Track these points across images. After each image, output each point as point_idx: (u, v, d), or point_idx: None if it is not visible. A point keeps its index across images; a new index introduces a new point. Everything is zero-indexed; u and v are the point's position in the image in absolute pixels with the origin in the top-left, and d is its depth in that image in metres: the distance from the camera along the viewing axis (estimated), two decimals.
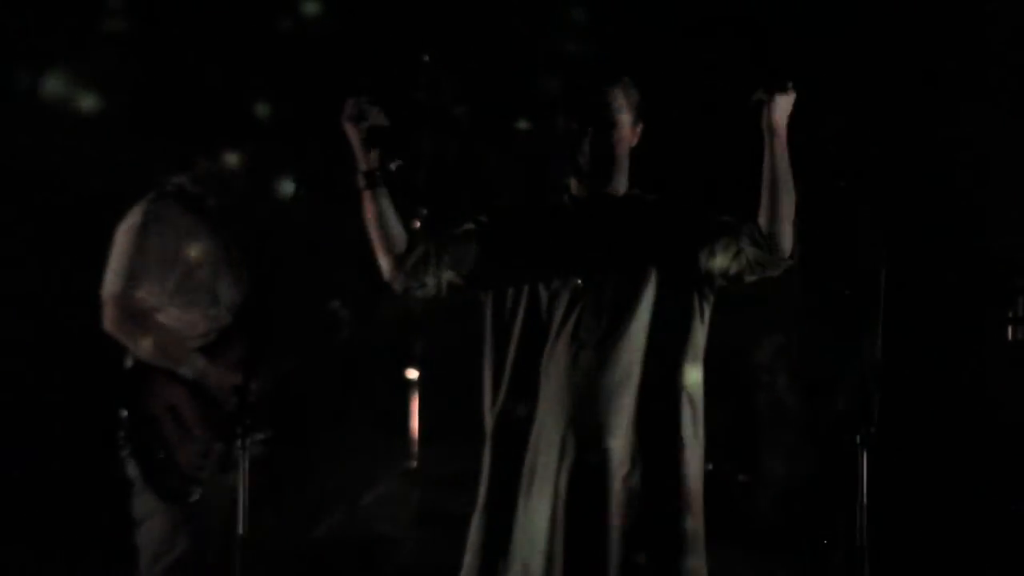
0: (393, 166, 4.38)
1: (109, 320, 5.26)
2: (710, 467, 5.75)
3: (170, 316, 5.28)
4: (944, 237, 6.21)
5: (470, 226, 4.49)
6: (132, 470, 5.23)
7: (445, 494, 6.29)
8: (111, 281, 5.27)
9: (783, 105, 4.18)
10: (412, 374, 6.52)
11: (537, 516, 4.32)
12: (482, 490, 4.43)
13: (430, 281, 4.43)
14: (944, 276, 6.19)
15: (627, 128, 4.40)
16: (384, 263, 4.42)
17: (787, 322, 6.31)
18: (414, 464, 6.51)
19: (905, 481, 5.74)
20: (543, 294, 4.39)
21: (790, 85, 4.17)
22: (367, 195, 4.37)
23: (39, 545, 6.08)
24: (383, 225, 4.39)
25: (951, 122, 6.22)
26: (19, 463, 6.09)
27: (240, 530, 4.63)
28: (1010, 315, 6.15)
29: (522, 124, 6.23)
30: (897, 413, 5.38)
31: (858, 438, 4.47)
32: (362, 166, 4.37)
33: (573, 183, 4.48)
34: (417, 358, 6.50)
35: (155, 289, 5.26)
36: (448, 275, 4.43)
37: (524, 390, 4.38)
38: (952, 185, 6.23)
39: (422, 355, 6.50)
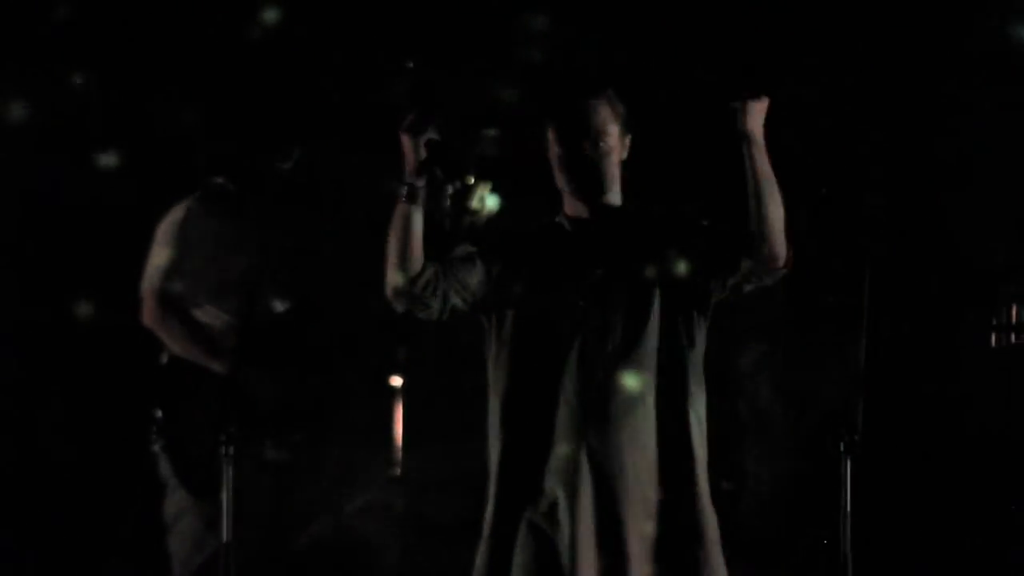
0: (457, 185, 4.25)
1: (147, 314, 5.32)
2: None
3: (207, 314, 5.33)
4: (927, 244, 6.22)
5: (472, 248, 4.44)
6: (164, 467, 5.26)
7: (429, 502, 6.29)
8: (150, 275, 5.33)
9: (756, 110, 4.15)
10: (396, 381, 6.51)
11: (557, 541, 4.28)
12: (488, 516, 4.39)
13: (435, 304, 4.33)
14: (927, 283, 6.19)
15: (615, 139, 4.38)
16: (394, 281, 4.29)
17: (770, 329, 6.31)
18: (398, 472, 6.50)
19: (888, 488, 5.74)
20: (547, 318, 4.35)
21: (762, 90, 4.15)
22: (401, 208, 4.24)
23: (68, 550, 6.13)
24: (407, 242, 4.25)
25: (934, 129, 6.23)
26: (51, 463, 6.14)
27: (225, 537, 4.62)
28: (993, 322, 6.15)
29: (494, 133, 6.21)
30: (880, 420, 5.39)
31: (841, 445, 4.47)
32: (409, 178, 4.23)
33: (567, 201, 4.45)
34: (401, 365, 6.50)
35: (192, 285, 5.30)
36: (454, 299, 4.36)
37: (532, 417, 4.35)
38: (935, 192, 6.24)
39: (406, 362, 6.49)
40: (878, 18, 6.13)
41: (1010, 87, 6.12)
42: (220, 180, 5.47)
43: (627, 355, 4.30)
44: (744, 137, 4.15)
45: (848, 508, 4.46)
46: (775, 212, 4.20)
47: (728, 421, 6.29)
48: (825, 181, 5.95)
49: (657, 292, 4.33)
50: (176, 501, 5.31)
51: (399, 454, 6.52)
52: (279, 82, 5.95)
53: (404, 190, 4.23)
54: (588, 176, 4.37)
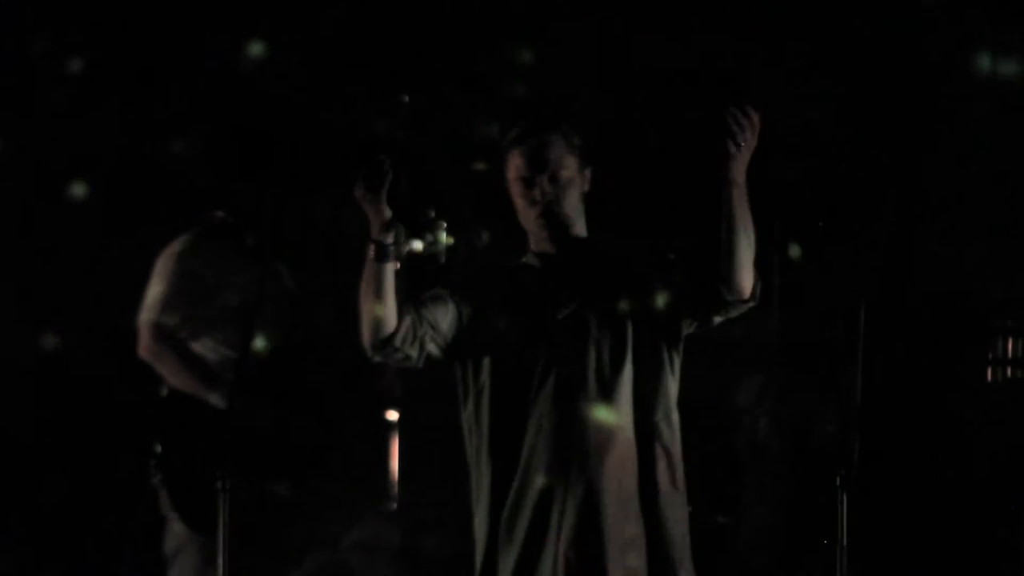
0: (420, 246, 4.21)
1: (144, 346, 5.31)
2: (690, 508, 5.77)
3: (205, 346, 5.33)
4: (923, 278, 6.23)
5: (443, 291, 4.39)
6: (164, 501, 5.26)
7: (425, 536, 6.28)
8: (148, 307, 5.33)
9: (745, 156, 4.11)
10: (392, 416, 6.51)
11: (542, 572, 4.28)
12: (478, 556, 4.39)
13: (414, 354, 4.29)
14: (923, 318, 6.20)
15: (573, 171, 4.34)
16: (370, 336, 4.23)
17: (766, 363, 6.31)
18: (394, 507, 6.50)
19: (884, 522, 5.74)
20: (521, 356, 4.32)
21: (753, 138, 4.09)
22: (372, 267, 4.17)
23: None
24: (383, 300, 4.18)
25: (928, 163, 6.25)
26: (51, 497, 6.14)
27: (222, 571, 4.62)
28: (990, 356, 6.16)
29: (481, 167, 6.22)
30: (876, 455, 5.39)
31: (837, 479, 4.47)
32: (376, 236, 4.16)
33: (532, 238, 4.42)
34: (396, 399, 6.50)
35: (190, 318, 5.30)
36: (429, 346, 4.31)
37: (513, 453, 4.33)
38: (930, 226, 6.25)
39: (401, 397, 6.49)
40: (875, 54, 6.16)
41: (1003, 124, 6.14)
42: (220, 214, 5.49)
43: (602, 389, 4.28)
44: (728, 180, 4.12)
45: (844, 542, 4.45)
46: (747, 250, 4.17)
47: (724, 455, 6.29)
48: (822, 215, 5.97)
49: (629, 328, 4.31)
50: (175, 535, 5.31)
51: (395, 489, 6.51)
52: (277, 116, 5.97)
53: (372, 249, 4.16)
54: (549, 212, 4.34)
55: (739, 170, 4.10)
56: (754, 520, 6.28)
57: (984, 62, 6.16)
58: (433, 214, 4.20)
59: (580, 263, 4.37)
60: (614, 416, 4.28)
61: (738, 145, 4.06)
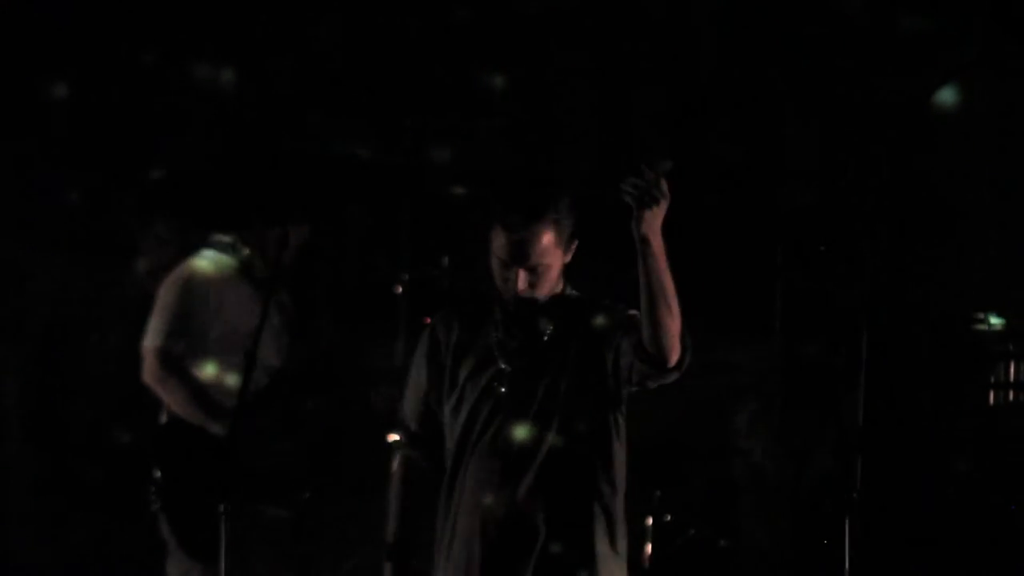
0: None
1: (148, 372, 5.32)
2: (692, 532, 5.76)
3: (208, 374, 5.31)
4: (925, 302, 6.23)
5: (416, 399, 4.45)
6: (164, 528, 5.25)
7: (425, 562, 6.27)
8: (153, 333, 5.33)
9: (650, 215, 3.91)
10: (392, 439, 6.50)
11: None
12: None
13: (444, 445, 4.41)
14: (925, 341, 6.20)
15: (556, 257, 4.22)
16: None
17: (768, 387, 6.31)
18: None
19: (887, 546, 5.74)
20: (472, 411, 4.29)
21: (659, 196, 3.89)
22: None
23: None
24: None
25: (928, 187, 6.27)
26: (52, 524, 6.15)
27: None
28: (992, 380, 6.16)
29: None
30: (879, 478, 5.39)
31: (840, 503, 4.47)
32: None
33: (499, 292, 4.31)
34: (396, 425, 6.49)
35: (195, 344, 5.30)
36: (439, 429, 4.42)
37: (458, 491, 4.34)
38: (932, 250, 6.26)
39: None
40: (876, 82, 6.18)
41: (1004, 152, 6.16)
42: (226, 240, 5.48)
43: (534, 447, 4.23)
44: (638, 240, 3.94)
45: (847, 565, 4.45)
46: (666, 317, 3.99)
47: (726, 478, 6.29)
48: (823, 240, 5.97)
49: (572, 382, 4.24)
50: (177, 562, 5.30)
51: None
52: (280, 143, 6.00)
53: None
54: (522, 298, 4.23)
55: (648, 229, 3.92)
56: (755, 543, 6.28)
57: (981, 90, 6.18)
58: None
59: (540, 321, 4.30)
60: (539, 476, 4.23)
61: (639, 202, 3.93)
